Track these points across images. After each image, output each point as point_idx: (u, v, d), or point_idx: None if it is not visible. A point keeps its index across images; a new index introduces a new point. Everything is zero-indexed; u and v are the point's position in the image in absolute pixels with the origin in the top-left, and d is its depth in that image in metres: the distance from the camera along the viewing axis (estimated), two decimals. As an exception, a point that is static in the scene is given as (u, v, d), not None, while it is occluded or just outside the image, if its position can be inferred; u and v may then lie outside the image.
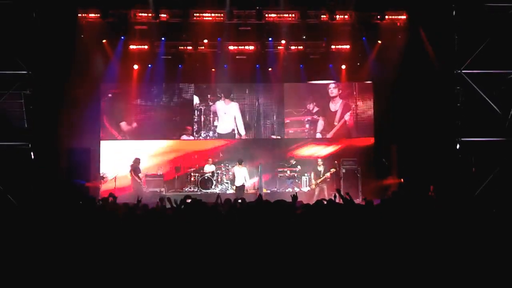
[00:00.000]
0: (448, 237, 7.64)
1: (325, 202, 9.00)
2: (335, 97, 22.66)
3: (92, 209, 10.02)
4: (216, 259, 7.00)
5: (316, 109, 22.66)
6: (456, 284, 6.85)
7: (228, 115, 22.61)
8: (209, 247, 7.16)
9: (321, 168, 19.88)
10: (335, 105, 22.68)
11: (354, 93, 22.64)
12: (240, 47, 21.55)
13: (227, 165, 21.61)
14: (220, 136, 22.61)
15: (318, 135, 22.74)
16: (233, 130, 22.65)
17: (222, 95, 22.51)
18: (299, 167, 21.06)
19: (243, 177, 19.75)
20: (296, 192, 11.96)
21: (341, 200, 9.73)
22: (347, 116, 22.59)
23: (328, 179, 19.79)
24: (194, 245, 7.23)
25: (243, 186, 19.70)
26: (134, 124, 22.23)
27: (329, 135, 22.68)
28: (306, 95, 22.83)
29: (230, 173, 21.11)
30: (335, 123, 22.62)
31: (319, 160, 20.48)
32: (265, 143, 22.63)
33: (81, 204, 10.77)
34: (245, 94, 22.72)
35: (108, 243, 7.44)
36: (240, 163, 19.90)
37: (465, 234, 7.81)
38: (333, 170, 19.81)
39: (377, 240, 7.38)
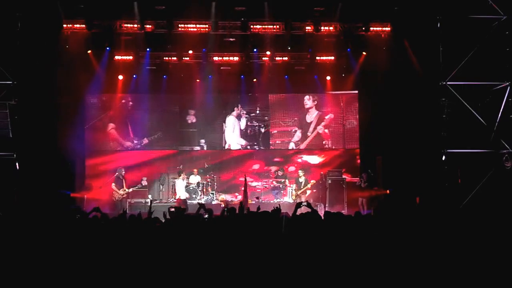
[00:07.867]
0: (434, 248, 7.66)
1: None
2: (310, 108, 22.68)
3: (79, 220, 9.92)
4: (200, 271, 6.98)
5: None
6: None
7: (235, 128, 22.71)
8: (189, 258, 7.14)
9: (302, 180, 19.95)
10: (311, 116, 22.69)
11: (341, 104, 22.65)
12: (225, 58, 21.46)
13: (212, 175, 21.53)
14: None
15: (292, 145, 22.74)
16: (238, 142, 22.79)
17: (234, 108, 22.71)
18: (287, 180, 20.97)
19: (183, 189, 19.84)
20: (279, 204, 11.75)
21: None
22: (320, 128, 22.57)
23: (309, 190, 19.84)
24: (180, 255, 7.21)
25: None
26: (120, 134, 22.20)
27: (302, 146, 22.69)
28: (292, 105, 22.84)
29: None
30: (308, 134, 22.63)
31: (300, 171, 20.56)
32: (250, 154, 22.65)
33: (67, 216, 10.65)
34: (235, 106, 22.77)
35: (93, 254, 7.40)
36: (179, 175, 20.05)
37: (452, 244, 7.84)
38: (313, 181, 19.85)
39: (364, 251, 7.38)
